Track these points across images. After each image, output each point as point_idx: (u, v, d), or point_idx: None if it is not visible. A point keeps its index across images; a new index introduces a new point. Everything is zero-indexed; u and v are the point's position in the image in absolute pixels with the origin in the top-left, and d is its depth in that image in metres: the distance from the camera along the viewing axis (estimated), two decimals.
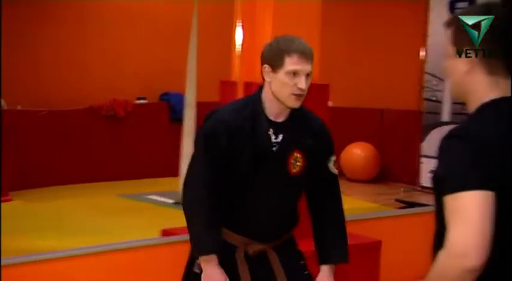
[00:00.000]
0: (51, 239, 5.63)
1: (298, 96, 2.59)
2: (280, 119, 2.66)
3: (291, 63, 2.56)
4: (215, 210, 2.62)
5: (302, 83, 2.57)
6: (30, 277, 3.58)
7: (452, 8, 8.13)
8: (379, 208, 7.47)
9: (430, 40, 8.39)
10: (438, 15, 8.06)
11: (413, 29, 8.82)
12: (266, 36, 3.98)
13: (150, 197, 7.66)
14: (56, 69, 8.63)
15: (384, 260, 4.57)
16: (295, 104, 2.60)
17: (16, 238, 5.34)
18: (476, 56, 1.81)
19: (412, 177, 8.68)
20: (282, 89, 2.58)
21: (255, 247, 2.68)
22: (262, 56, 2.66)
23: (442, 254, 1.73)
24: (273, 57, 2.59)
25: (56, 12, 8.59)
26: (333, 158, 2.77)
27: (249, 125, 2.61)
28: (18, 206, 7.10)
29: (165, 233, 4.35)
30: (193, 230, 2.64)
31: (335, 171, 2.77)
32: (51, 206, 7.19)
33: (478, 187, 1.69)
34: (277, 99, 2.62)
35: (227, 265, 2.62)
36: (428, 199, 6.76)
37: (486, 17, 1.80)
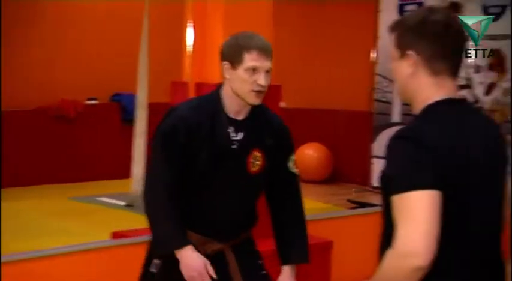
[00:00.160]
0: None
1: (258, 92, 2.59)
2: (240, 117, 2.65)
3: (250, 59, 2.56)
4: (177, 208, 2.60)
5: (262, 80, 2.57)
6: None
7: (401, 10, 8.26)
8: (330, 208, 7.52)
9: (381, 42, 8.48)
10: (388, 17, 8.17)
11: (364, 30, 8.91)
12: (217, 37, 3.98)
13: (101, 199, 7.56)
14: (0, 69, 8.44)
15: (335, 260, 4.60)
16: (255, 100, 2.60)
17: None
18: (419, 58, 1.85)
19: (363, 177, 8.77)
20: (242, 86, 2.58)
21: (213, 246, 2.67)
22: (221, 53, 2.65)
23: (390, 254, 1.75)
24: (232, 54, 2.59)
25: (5, 12, 8.41)
26: (293, 158, 2.77)
27: (208, 122, 2.60)
28: None
29: (116, 235, 4.31)
30: (159, 229, 2.62)
31: (295, 170, 2.78)
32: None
33: (425, 187, 1.72)
34: (238, 96, 2.61)
35: None
36: (379, 199, 6.82)
37: (428, 20, 1.84)
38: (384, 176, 1.83)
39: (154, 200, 2.62)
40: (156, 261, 2.67)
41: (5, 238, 5.62)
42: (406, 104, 2.15)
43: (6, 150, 8.02)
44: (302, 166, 8.89)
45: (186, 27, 4.37)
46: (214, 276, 2.55)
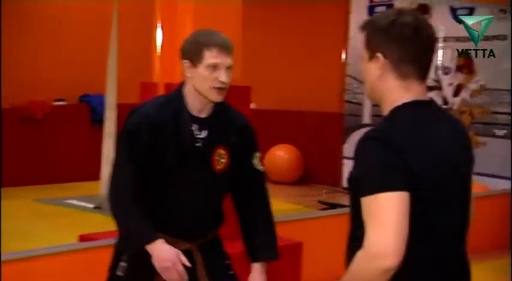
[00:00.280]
0: None
1: (219, 89, 2.57)
2: (203, 115, 2.64)
3: (210, 56, 2.54)
4: (142, 207, 2.57)
5: (223, 76, 2.55)
6: None
7: (371, 12, 8.30)
8: (301, 209, 7.53)
9: (351, 43, 8.52)
10: (359, 18, 8.20)
11: (335, 32, 8.94)
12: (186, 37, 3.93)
13: (69, 201, 7.46)
14: None
15: (305, 261, 4.60)
16: (217, 97, 2.58)
17: None
18: (386, 62, 1.84)
19: (334, 179, 8.80)
20: (203, 83, 2.56)
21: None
22: (181, 51, 2.63)
23: (360, 255, 1.74)
24: (193, 52, 2.57)
25: None
26: (258, 155, 2.75)
27: (172, 120, 2.58)
28: None
29: (83, 238, 4.25)
30: (126, 226, 2.59)
31: (260, 167, 2.76)
32: None
33: (394, 189, 1.72)
34: (199, 93, 2.59)
35: (152, 264, 2.55)
36: None
37: (396, 22, 1.83)
38: (352, 177, 1.82)
39: (119, 199, 2.61)
40: (122, 264, 2.64)
41: None
42: (376, 105, 2.14)
43: None
44: (273, 167, 9.06)
45: (155, 27, 4.34)
46: (188, 264, 2.53)
